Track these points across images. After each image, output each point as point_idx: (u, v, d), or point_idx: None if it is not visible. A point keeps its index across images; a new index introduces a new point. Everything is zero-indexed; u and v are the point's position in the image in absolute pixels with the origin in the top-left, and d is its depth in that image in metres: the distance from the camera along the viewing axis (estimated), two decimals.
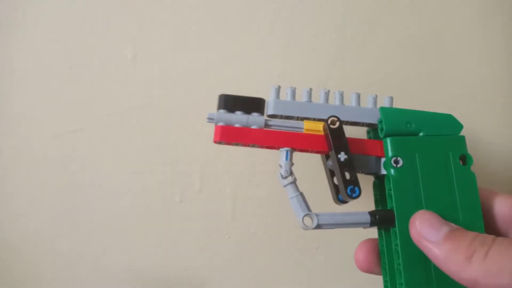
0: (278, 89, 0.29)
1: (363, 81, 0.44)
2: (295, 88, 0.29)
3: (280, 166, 0.28)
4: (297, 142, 0.28)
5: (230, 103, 0.29)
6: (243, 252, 0.44)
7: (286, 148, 0.28)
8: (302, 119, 0.29)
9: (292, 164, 0.28)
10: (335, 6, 0.44)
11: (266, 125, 0.28)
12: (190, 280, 0.44)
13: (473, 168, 0.29)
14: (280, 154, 0.28)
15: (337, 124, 0.27)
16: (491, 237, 0.21)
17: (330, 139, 0.27)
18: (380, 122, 0.29)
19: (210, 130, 0.46)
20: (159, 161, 0.43)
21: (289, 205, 0.28)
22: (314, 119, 0.29)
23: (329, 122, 0.27)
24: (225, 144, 0.28)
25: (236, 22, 0.44)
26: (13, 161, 0.43)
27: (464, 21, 0.46)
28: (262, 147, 0.28)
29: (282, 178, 0.28)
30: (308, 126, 0.28)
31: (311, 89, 0.30)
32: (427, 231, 0.24)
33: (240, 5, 0.44)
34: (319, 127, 0.28)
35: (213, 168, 0.43)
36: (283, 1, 0.44)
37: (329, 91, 0.30)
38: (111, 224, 0.43)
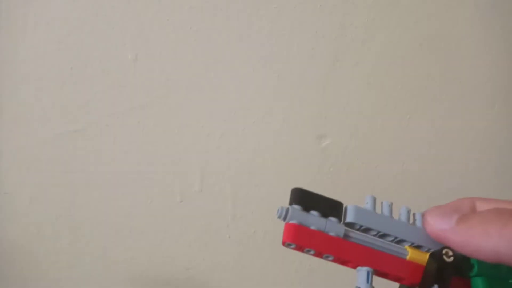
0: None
1: (363, 81, 0.44)
2: (375, 198, 0.26)
3: None
4: (385, 265, 0.24)
5: (306, 200, 0.24)
6: (243, 252, 0.44)
7: (366, 268, 0.23)
8: (381, 235, 0.25)
9: None
10: (335, 7, 0.44)
11: (345, 235, 0.24)
12: (190, 280, 0.44)
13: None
14: (358, 275, 0.24)
15: (452, 258, 0.23)
16: (509, 211, 0.21)
17: (442, 273, 0.23)
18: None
19: (209, 130, 0.46)
20: (160, 161, 0.43)
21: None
22: (395, 238, 0.25)
23: (443, 252, 0.24)
24: (294, 248, 0.24)
25: (236, 23, 0.44)
26: (13, 161, 0.43)
27: (463, 21, 0.46)
28: (336, 260, 0.24)
29: None
30: (414, 255, 0.24)
31: (392, 203, 0.26)
32: (439, 222, 0.24)
33: (240, 6, 0.44)
34: (424, 258, 0.24)
35: (213, 168, 0.43)
36: (283, 1, 0.44)
37: (410, 209, 0.26)
38: (111, 224, 0.43)
